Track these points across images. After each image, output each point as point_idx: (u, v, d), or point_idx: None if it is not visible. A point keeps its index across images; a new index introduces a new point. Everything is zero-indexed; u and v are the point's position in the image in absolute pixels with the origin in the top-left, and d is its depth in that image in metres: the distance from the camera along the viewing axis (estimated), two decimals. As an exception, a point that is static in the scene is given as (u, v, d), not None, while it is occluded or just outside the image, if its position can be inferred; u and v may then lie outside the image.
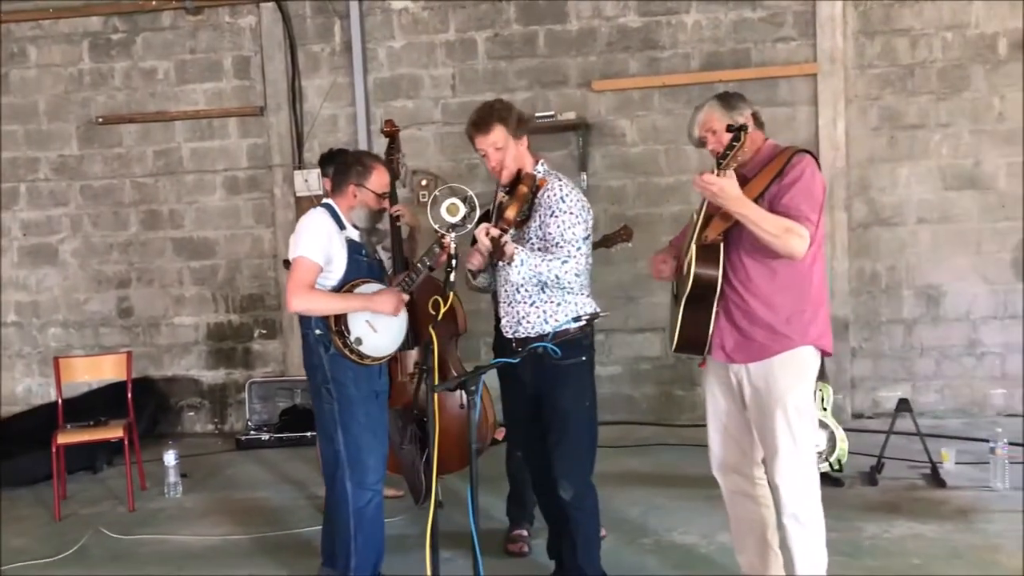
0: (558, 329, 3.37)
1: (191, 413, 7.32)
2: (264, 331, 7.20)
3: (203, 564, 4.42)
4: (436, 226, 3.27)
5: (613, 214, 6.62)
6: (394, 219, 4.28)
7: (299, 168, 6.89)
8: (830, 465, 5.01)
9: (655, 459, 5.76)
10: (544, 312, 3.44)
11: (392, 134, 4.62)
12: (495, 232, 3.17)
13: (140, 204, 7.24)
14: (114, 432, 5.40)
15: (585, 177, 6.65)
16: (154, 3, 6.99)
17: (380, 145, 4.58)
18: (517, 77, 6.75)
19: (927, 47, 6.34)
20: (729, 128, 3.08)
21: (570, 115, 6.52)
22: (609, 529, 4.47)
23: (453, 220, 3.22)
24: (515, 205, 3.30)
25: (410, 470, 4.72)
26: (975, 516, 4.46)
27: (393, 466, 4.84)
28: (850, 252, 6.48)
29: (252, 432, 6.78)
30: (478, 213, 3.45)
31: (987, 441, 4.98)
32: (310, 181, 6.75)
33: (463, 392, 2.83)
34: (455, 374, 4.82)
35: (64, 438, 5.30)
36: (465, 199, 3.25)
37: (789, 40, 6.45)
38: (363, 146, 6.75)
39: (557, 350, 3.06)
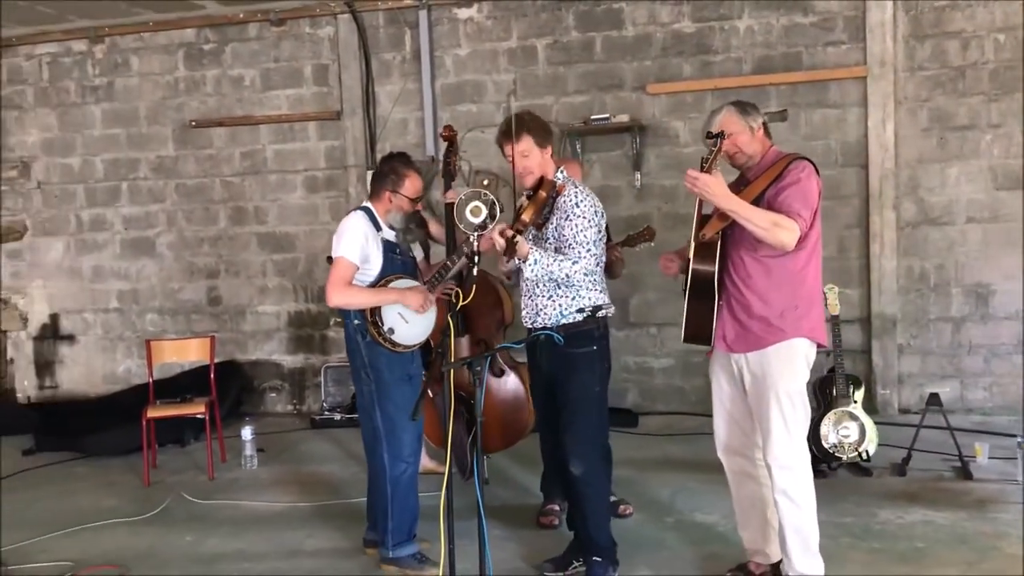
0: (566, 321, 3.72)
1: (272, 394, 7.89)
2: (339, 319, 7.65)
3: (268, 526, 4.90)
4: (462, 226, 3.61)
5: (666, 212, 6.91)
6: (448, 205, 4.57)
7: (372, 169, 7.30)
8: (859, 455, 5.21)
9: (694, 446, 5.98)
10: (560, 306, 3.77)
11: (450, 138, 4.92)
12: (509, 232, 3.51)
13: (228, 201, 7.82)
14: (197, 408, 5.93)
15: (639, 176, 6.94)
16: (241, 16, 7.56)
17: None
18: (575, 81, 7.06)
19: (978, 49, 6.41)
20: (709, 135, 3.41)
21: (623, 117, 6.80)
22: (637, 508, 4.80)
23: (476, 221, 3.56)
24: (531, 208, 3.64)
25: (458, 447, 5.13)
26: (992, 507, 4.61)
27: (442, 442, 5.26)
28: (898, 251, 6.58)
29: (326, 412, 7.30)
30: (499, 215, 3.80)
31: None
32: (382, 181, 7.18)
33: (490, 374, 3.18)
34: (499, 361, 5.20)
35: (153, 412, 5.87)
36: (487, 202, 3.57)
37: (839, 44, 6.60)
38: (430, 147, 7.19)
39: (560, 337, 3.39)
